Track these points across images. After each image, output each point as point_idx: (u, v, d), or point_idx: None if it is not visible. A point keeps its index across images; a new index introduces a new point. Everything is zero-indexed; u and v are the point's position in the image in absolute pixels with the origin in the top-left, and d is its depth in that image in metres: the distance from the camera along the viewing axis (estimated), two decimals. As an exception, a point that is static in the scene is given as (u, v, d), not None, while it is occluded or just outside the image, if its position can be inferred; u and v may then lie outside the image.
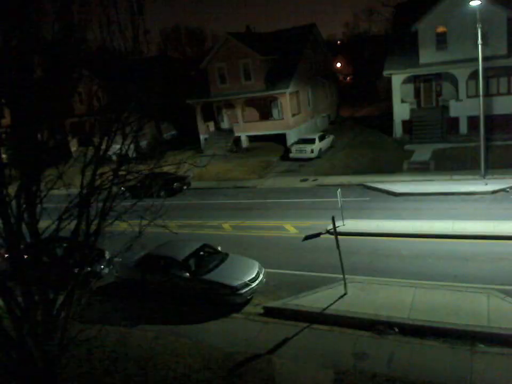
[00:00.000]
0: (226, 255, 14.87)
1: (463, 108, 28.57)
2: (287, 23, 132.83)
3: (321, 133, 32.94)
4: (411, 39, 29.96)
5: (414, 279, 13.33)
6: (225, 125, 39.11)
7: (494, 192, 19.94)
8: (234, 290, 13.13)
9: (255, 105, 36.83)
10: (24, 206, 6.69)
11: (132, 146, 7.68)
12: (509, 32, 26.62)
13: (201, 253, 14.66)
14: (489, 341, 10.24)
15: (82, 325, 8.03)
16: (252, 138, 36.52)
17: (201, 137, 38.41)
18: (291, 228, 19.27)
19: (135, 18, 6.85)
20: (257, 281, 13.67)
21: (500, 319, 10.75)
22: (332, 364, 10.14)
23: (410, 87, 31.82)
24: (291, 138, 33.56)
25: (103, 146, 7.18)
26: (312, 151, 30.24)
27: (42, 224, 7.01)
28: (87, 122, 7.69)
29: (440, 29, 28.29)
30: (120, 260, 15.07)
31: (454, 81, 29.31)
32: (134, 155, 7.98)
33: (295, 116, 34.93)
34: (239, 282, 13.27)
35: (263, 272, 14.21)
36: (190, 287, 13.68)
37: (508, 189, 19.98)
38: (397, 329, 11.13)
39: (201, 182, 29.41)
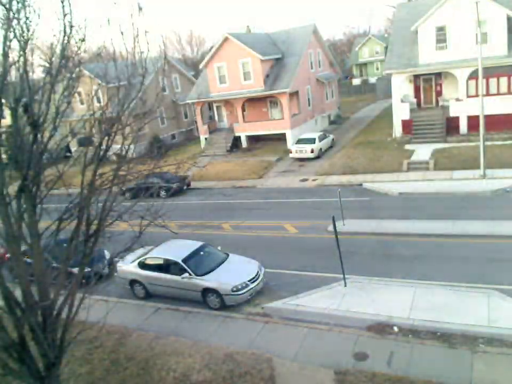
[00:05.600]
0: (226, 255, 14.88)
1: (463, 107, 28.57)
2: (287, 23, 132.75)
3: (321, 133, 32.94)
4: (411, 38, 29.99)
5: (414, 279, 13.33)
6: (225, 124, 39.15)
7: (494, 191, 19.94)
8: (234, 290, 13.15)
9: (255, 105, 36.83)
10: (24, 206, 6.70)
11: (132, 146, 7.69)
12: (509, 32, 26.63)
13: (201, 253, 14.67)
14: (489, 341, 10.24)
15: (82, 325, 8.03)
16: (252, 138, 36.55)
17: (201, 137, 38.46)
18: (291, 228, 19.27)
19: (135, 18, 6.86)
20: (257, 281, 13.68)
21: (500, 319, 10.75)
22: (332, 364, 10.14)
23: (410, 87, 31.86)
24: (291, 138, 33.56)
25: (103, 146, 7.19)
26: (312, 151, 30.24)
27: (42, 224, 7.02)
28: (87, 122, 7.70)
29: (440, 29, 28.29)
30: (120, 260, 15.10)
31: (454, 80, 29.31)
32: (134, 155, 7.99)
33: (295, 116, 34.93)
34: (239, 282, 13.28)
35: (263, 272, 14.22)
36: (190, 287, 13.69)
37: (508, 189, 19.98)
38: (396, 329, 11.13)
39: (201, 182, 29.42)
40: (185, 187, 27.90)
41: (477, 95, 25.71)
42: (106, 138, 7.24)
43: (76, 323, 7.67)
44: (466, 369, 9.49)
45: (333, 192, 18.63)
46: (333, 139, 33.48)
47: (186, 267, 13.82)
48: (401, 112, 30.44)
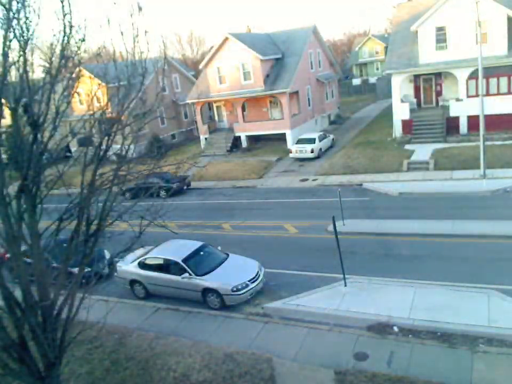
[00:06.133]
0: (227, 255, 14.89)
1: (463, 107, 28.56)
2: (287, 24, 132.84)
3: (321, 133, 32.96)
4: (411, 38, 29.99)
5: (414, 279, 13.33)
6: (225, 124, 39.15)
7: (494, 191, 19.94)
8: (234, 290, 13.15)
9: (255, 105, 36.84)
10: (24, 206, 6.70)
11: (132, 146, 7.70)
12: (509, 32, 26.63)
13: (201, 253, 14.67)
14: (489, 341, 10.24)
15: (82, 325, 8.03)
16: (251, 138, 36.55)
17: (201, 137, 38.46)
18: (291, 228, 19.27)
19: (135, 18, 6.86)
20: (257, 281, 13.68)
21: (500, 319, 10.75)
22: (332, 364, 10.14)
23: (410, 87, 31.86)
24: (291, 138, 33.57)
25: (103, 147, 7.19)
26: (312, 151, 30.24)
27: (42, 224, 7.02)
28: (87, 122, 7.70)
29: (440, 29, 28.29)
30: (120, 260, 15.10)
31: (454, 80, 29.31)
32: (134, 155, 8.00)
33: (295, 116, 34.93)
34: (239, 282, 13.28)
35: (263, 272, 14.22)
36: (190, 287, 13.69)
37: (508, 189, 19.97)
38: (396, 329, 11.13)
39: (201, 182, 29.43)
40: (185, 187, 27.89)
41: (477, 95, 25.70)
42: (106, 138, 7.24)
43: (76, 323, 7.68)
44: (466, 369, 9.49)
45: (333, 192, 18.63)
46: (333, 139, 33.49)
47: (186, 267, 13.81)
48: (401, 112, 30.43)
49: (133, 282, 14.95)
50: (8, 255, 7.47)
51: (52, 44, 6.77)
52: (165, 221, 8.04)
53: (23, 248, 7.02)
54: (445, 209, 18.72)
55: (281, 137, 34.52)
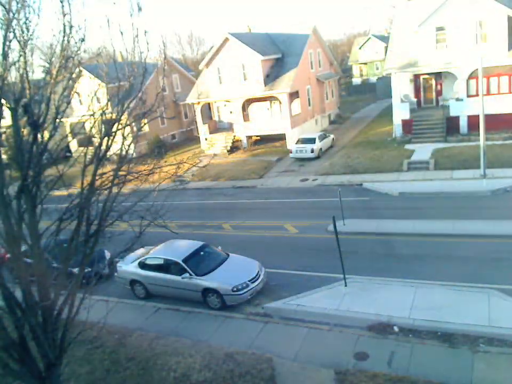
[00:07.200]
0: (227, 255, 14.88)
1: (463, 107, 28.57)
2: (287, 24, 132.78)
3: (322, 133, 32.95)
4: (411, 38, 29.98)
5: (414, 279, 13.32)
6: (225, 124, 39.14)
7: (494, 191, 19.93)
8: (234, 290, 13.14)
9: (255, 105, 36.83)
10: (24, 206, 6.70)
11: (132, 146, 7.70)
12: (509, 32, 26.62)
13: (201, 253, 14.66)
14: (489, 341, 10.23)
15: (82, 325, 8.02)
16: (252, 138, 36.53)
17: (201, 137, 38.45)
18: (291, 228, 19.26)
19: (135, 18, 6.86)
20: (257, 281, 13.68)
21: (500, 318, 10.75)
22: (332, 364, 10.14)
23: (410, 87, 31.86)
24: (291, 138, 33.56)
25: (103, 147, 7.19)
26: (312, 151, 30.23)
27: (43, 224, 7.02)
28: (86, 123, 7.70)
29: (440, 29, 28.28)
30: (121, 260, 15.10)
31: (454, 80, 29.31)
32: (134, 155, 7.99)
33: (295, 116, 34.92)
34: (239, 282, 13.28)
35: (263, 272, 14.21)
36: (190, 287, 13.68)
37: (508, 189, 19.96)
38: (397, 329, 11.13)
39: (201, 182, 29.41)
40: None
41: (477, 95, 25.70)
42: (106, 138, 7.24)
43: (76, 323, 7.67)
44: (467, 369, 9.48)
45: (333, 192, 18.62)
46: (333, 139, 33.47)
47: (186, 267, 13.81)
48: (401, 112, 30.42)
49: (133, 282, 14.95)
50: (8, 255, 7.47)
51: (51, 44, 6.78)
52: (165, 221, 8.04)
53: (23, 248, 7.03)
54: (445, 209, 18.70)
55: (281, 137, 34.52)
